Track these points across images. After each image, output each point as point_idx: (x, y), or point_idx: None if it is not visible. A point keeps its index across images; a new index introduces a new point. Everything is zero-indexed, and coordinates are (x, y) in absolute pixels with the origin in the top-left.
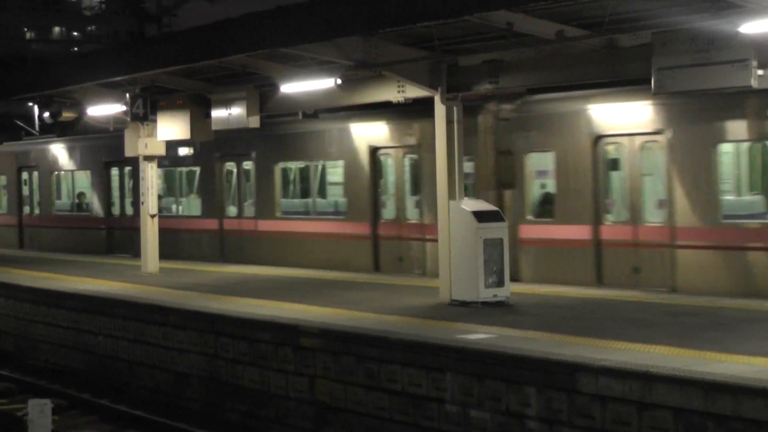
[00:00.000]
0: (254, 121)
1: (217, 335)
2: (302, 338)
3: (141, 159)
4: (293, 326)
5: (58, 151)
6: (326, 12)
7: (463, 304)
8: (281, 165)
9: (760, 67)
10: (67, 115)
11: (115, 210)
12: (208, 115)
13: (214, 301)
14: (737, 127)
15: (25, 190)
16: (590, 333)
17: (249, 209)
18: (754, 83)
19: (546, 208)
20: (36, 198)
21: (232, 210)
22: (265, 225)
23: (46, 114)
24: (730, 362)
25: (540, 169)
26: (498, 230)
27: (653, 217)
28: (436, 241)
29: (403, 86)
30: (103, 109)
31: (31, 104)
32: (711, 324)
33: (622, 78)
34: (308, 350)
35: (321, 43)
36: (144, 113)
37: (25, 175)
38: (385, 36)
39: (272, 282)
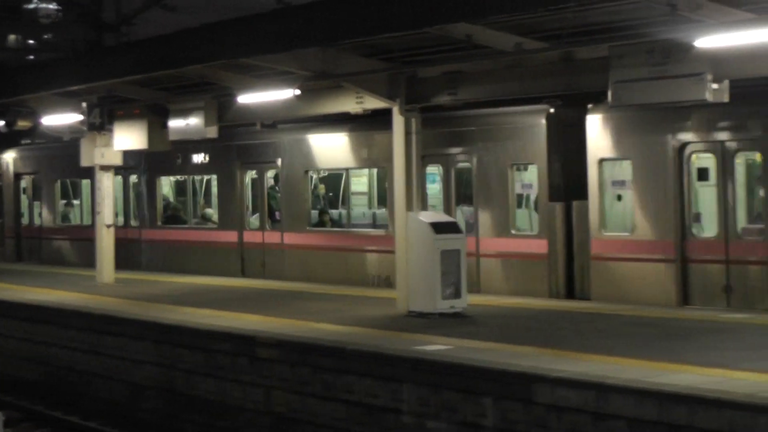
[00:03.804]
0: (212, 131)
1: (174, 346)
2: (259, 349)
3: (97, 169)
4: (250, 337)
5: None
6: (285, 22)
7: (421, 315)
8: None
9: (715, 80)
10: (23, 123)
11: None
12: (166, 125)
13: (171, 312)
14: None
15: None
16: (548, 344)
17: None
18: (709, 97)
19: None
20: None
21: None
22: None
23: (1, 123)
24: (686, 372)
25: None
26: (455, 241)
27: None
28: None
29: (361, 97)
30: (59, 119)
31: None
32: (669, 335)
33: (579, 91)
34: (265, 361)
35: (280, 54)
36: (101, 123)
37: None
38: (344, 47)
39: (230, 293)
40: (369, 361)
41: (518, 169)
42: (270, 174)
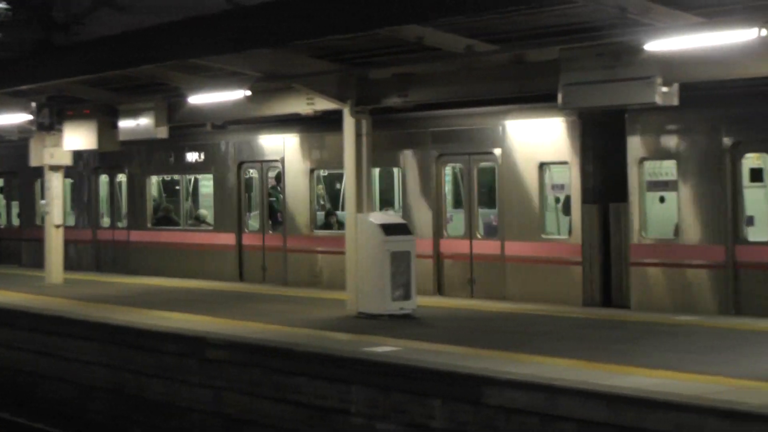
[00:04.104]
0: (162, 132)
1: (122, 347)
2: (209, 350)
3: (46, 169)
4: (200, 338)
5: None
6: (236, 23)
7: (370, 316)
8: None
9: (665, 84)
10: None
11: None
12: (116, 125)
13: (120, 313)
14: None
15: None
16: (497, 346)
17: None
18: (659, 100)
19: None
20: None
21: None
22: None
23: None
24: (635, 375)
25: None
26: (405, 243)
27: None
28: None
29: (312, 99)
30: (8, 118)
31: None
32: (619, 337)
33: (530, 93)
34: (215, 362)
35: (230, 55)
36: (50, 123)
37: None
38: (295, 48)
39: (181, 294)
40: (318, 362)
41: (548, 169)
42: (272, 173)
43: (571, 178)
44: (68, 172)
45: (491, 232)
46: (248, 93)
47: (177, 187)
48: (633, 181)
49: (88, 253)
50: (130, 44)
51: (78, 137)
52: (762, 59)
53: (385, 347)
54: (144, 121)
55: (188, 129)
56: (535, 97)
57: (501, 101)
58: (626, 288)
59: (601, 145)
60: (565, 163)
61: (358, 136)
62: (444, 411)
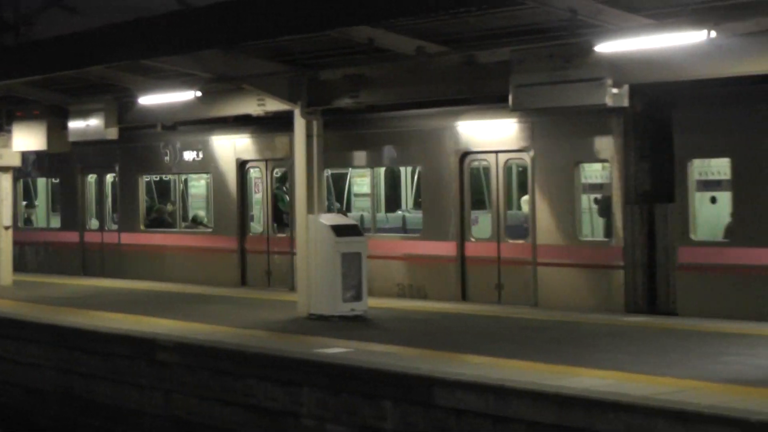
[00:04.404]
0: (112, 133)
1: (71, 349)
2: (158, 352)
3: None
4: (149, 340)
5: None
6: (187, 24)
7: (321, 318)
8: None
9: (615, 85)
10: None
11: None
12: (66, 126)
13: (70, 315)
14: None
15: None
16: (448, 347)
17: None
18: (609, 101)
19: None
20: None
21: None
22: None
23: None
24: (584, 376)
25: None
26: (356, 244)
27: None
28: None
29: (263, 100)
30: None
31: None
32: (568, 339)
33: (481, 95)
34: (164, 365)
35: (181, 56)
36: None
37: None
38: (245, 49)
39: (132, 296)
40: (268, 364)
41: (586, 168)
42: (278, 172)
43: (612, 177)
44: (54, 171)
45: (519, 233)
46: (199, 94)
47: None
48: (684, 181)
49: (75, 256)
50: (80, 45)
51: (27, 138)
52: (711, 61)
53: (335, 349)
54: (94, 122)
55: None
56: None
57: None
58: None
59: (646, 142)
60: (605, 161)
61: (309, 137)
62: (395, 412)
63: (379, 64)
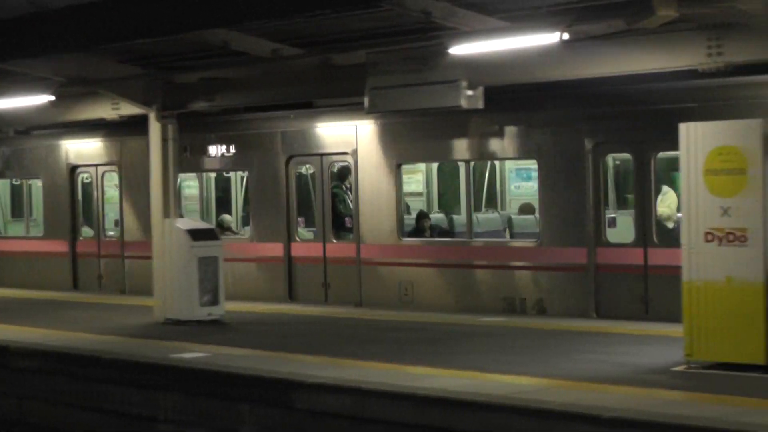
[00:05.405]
0: None
1: None
2: (11, 359)
3: None
4: (1, 347)
5: None
6: (40, 27)
7: (178, 323)
8: None
9: (470, 87)
10: None
11: None
12: None
13: None
14: None
15: None
16: (307, 350)
17: None
18: (464, 103)
19: None
20: None
21: None
22: None
23: None
24: (440, 376)
25: None
26: (213, 249)
27: None
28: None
29: (117, 103)
30: None
31: None
32: (425, 339)
33: (339, 96)
34: (18, 371)
35: (34, 59)
36: None
37: None
38: (100, 52)
39: None
40: (125, 369)
41: None
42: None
43: None
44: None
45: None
46: (52, 98)
47: None
48: None
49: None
50: None
51: None
52: (563, 63)
53: (193, 353)
54: None
55: None
56: None
57: None
58: None
59: None
60: None
61: (165, 140)
62: (253, 416)
63: (236, 67)
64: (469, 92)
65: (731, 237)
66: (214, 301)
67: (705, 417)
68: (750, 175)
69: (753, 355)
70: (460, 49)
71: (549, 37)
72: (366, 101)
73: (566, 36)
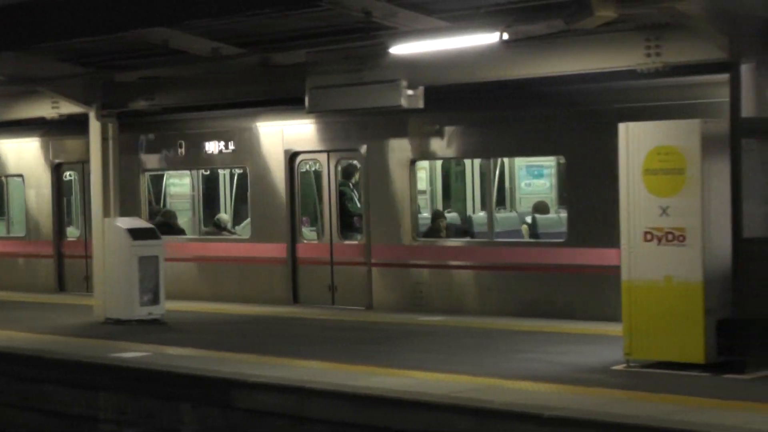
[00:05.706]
0: None
1: None
2: None
3: None
4: None
5: None
6: None
7: (119, 322)
8: None
9: (410, 87)
10: None
11: None
12: None
13: None
14: None
15: None
16: (249, 349)
17: None
18: (404, 103)
19: None
20: None
21: None
22: None
23: None
24: (382, 376)
25: None
26: (153, 248)
27: None
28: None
29: (57, 102)
30: None
31: None
32: (369, 339)
33: (279, 96)
34: None
35: None
36: None
37: None
38: (39, 51)
39: None
40: (65, 369)
41: None
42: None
43: None
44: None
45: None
46: None
47: None
48: None
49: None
50: None
51: None
52: (503, 63)
53: (133, 352)
54: None
55: None
56: None
57: None
58: None
59: None
60: None
61: (105, 140)
62: (194, 415)
63: (176, 65)
64: (410, 92)
65: (670, 236)
66: (155, 301)
67: (645, 415)
68: (689, 175)
69: (692, 354)
70: (400, 49)
71: (489, 37)
72: (306, 101)
73: (506, 36)
